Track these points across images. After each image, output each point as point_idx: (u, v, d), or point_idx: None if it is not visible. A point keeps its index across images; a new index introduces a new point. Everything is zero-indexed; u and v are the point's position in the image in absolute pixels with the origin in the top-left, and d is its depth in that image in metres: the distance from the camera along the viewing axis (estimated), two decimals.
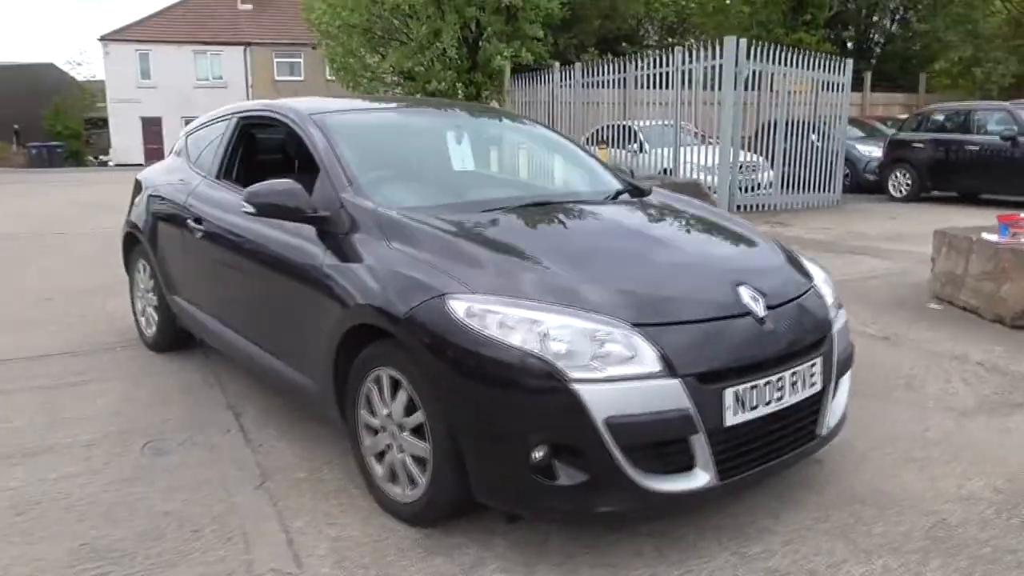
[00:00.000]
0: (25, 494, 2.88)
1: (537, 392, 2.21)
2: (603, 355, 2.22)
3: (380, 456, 2.72)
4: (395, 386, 2.58)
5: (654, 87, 12.08)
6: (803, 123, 11.88)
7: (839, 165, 12.61)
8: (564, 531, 2.55)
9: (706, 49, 10.88)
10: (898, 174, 13.18)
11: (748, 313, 2.46)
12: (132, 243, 4.71)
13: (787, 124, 11.65)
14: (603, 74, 12.97)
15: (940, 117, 12.87)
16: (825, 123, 12.32)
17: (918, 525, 2.59)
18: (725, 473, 2.33)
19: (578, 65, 13.98)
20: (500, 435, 2.27)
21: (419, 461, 2.54)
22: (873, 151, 14.27)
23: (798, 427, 2.58)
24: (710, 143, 11.25)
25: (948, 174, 12.43)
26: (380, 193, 2.95)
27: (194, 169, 4.11)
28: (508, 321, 2.27)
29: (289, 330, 3.10)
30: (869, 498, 2.78)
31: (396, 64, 15.82)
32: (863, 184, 14.19)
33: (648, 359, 2.24)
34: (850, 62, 12.55)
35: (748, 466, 2.41)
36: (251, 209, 2.95)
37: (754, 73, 10.92)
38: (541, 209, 3.09)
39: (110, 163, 36.94)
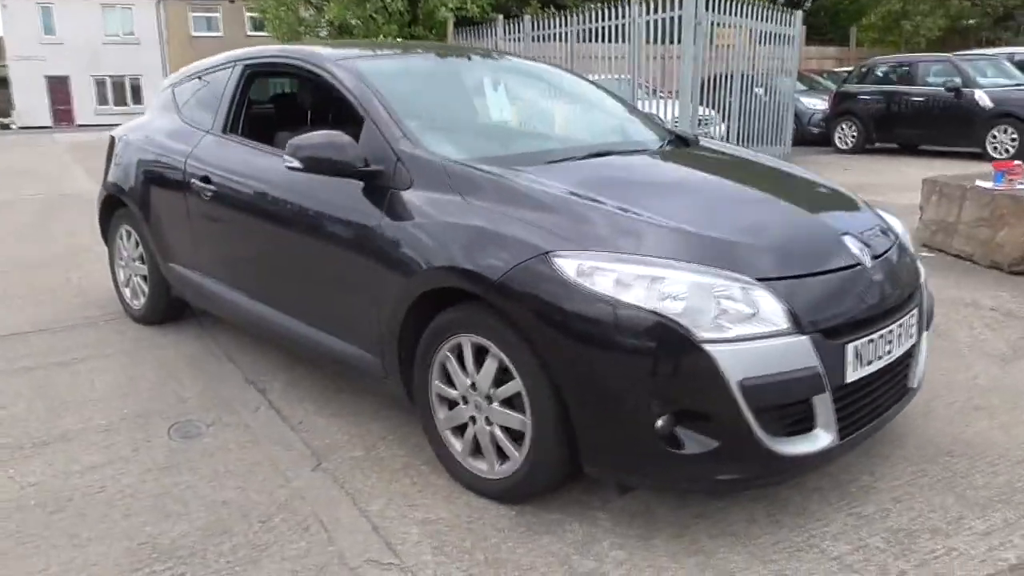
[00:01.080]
0: (52, 489, 2.57)
1: (664, 355, 2.04)
2: (730, 312, 2.06)
3: (459, 430, 2.52)
4: (479, 354, 2.37)
5: (607, 40, 11.86)
6: (751, 77, 11.88)
7: (789, 119, 12.69)
8: (666, 499, 2.41)
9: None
10: (844, 126, 13.39)
11: (858, 264, 2.34)
12: (111, 208, 4.29)
13: (736, 77, 11.63)
14: (554, 27, 12.66)
15: (885, 69, 13.09)
16: (774, 76, 12.35)
17: (1017, 475, 2.55)
18: (844, 432, 2.22)
19: (527, 18, 13.63)
20: (620, 403, 2.10)
21: (511, 434, 2.35)
22: (817, 104, 14.45)
23: (897, 380, 2.49)
24: (661, 97, 11.14)
25: (893, 126, 12.69)
26: (438, 144, 2.70)
27: (190, 124, 3.73)
28: (625, 279, 2.09)
29: (336, 299, 2.83)
30: (955, 449, 2.73)
31: (336, 17, 15.14)
32: (808, 137, 14.37)
33: (776, 316, 2.09)
34: (800, 14, 12.59)
35: (862, 423, 2.31)
36: (296, 163, 2.65)
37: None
38: (611, 159, 2.88)
39: (13, 125, 34.66)
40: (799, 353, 2.10)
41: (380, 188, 2.64)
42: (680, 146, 3.29)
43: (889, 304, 2.38)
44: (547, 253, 2.17)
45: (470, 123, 3.24)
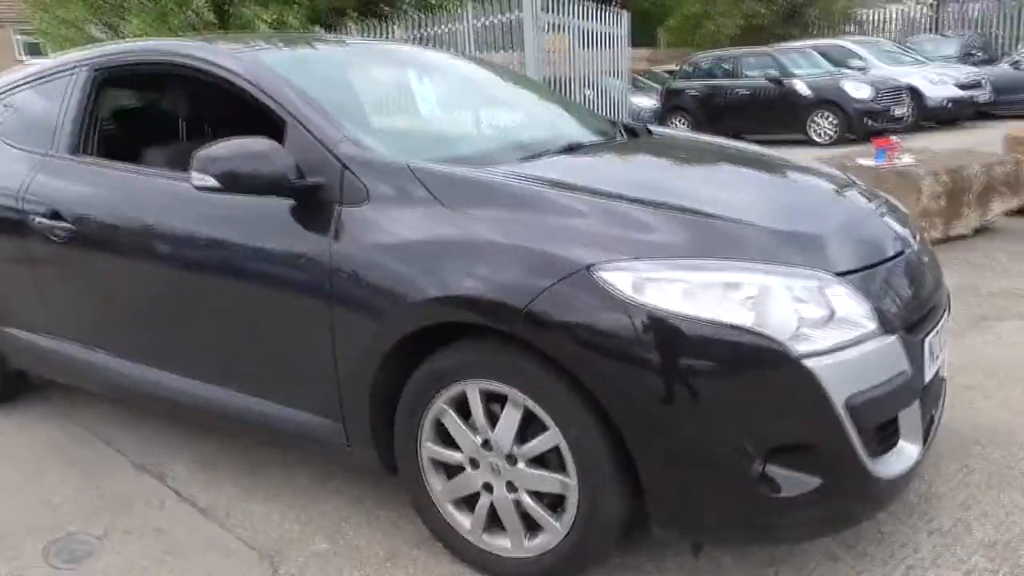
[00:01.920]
0: None
1: (757, 379, 1.64)
2: (810, 318, 1.69)
3: (465, 502, 2.00)
4: (490, 404, 1.87)
5: (438, 47, 11.49)
6: (581, 79, 11.94)
7: (622, 118, 12.91)
8: (729, 550, 2.02)
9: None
10: (676, 121, 13.79)
11: (909, 246, 2.06)
12: None
13: (567, 80, 11.63)
14: (380, 37, 12.13)
15: (709, 64, 13.62)
16: (603, 77, 12.49)
17: None
18: (924, 440, 1.92)
19: (352, 27, 12.99)
20: (705, 446, 1.67)
21: (542, 499, 1.86)
22: (645, 102, 14.82)
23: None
24: None
25: (721, 117, 13.17)
26: (383, 146, 2.15)
27: (16, 147, 2.90)
28: (694, 289, 1.67)
29: (272, 355, 2.21)
30: (980, 437, 2.54)
31: (136, 33, 13.67)
32: None
33: (861, 316, 1.74)
34: (627, 14, 12.82)
35: (933, 425, 2.03)
36: (209, 181, 2.01)
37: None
38: (595, 153, 2.45)
39: None
40: (892, 357, 1.77)
41: (322, 206, 2.06)
42: (645, 135, 2.91)
43: (942, 290, 2.13)
44: (590, 267, 1.70)
45: (411, 120, 2.70)
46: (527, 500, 1.88)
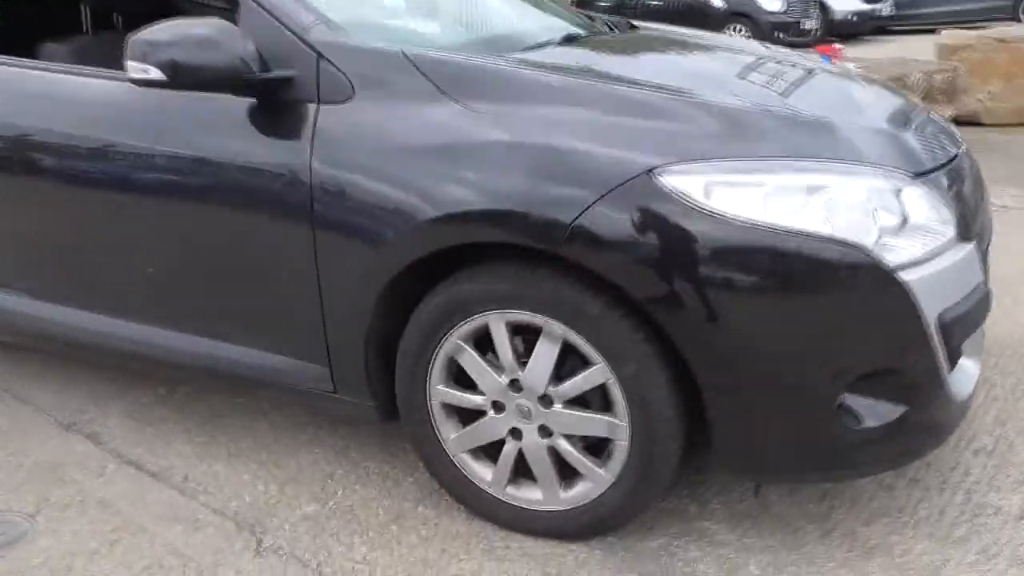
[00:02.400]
0: None
1: (844, 295, 1.42)
2: (904, 225, 1.47)
3: (485, 451, 1.73)
4: (519, 336, 1.59)
5: None
6: None
7: None
8: (768, 489, 1.84)
9: None
10: None
11: (962, 146, 1.86)
12: None
13: None
14: None
15: None
16: None
17: None
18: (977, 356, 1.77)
19: None
20: (780, 372, 1.45)
21: (578, 443, 1.62)
22: None
23: None
24: None
25: None
26: (361, 35, 1.77)
27: None
28: (771, 193, 1.41)
29: (237, 293, 1.83)
30: (994, 350, 2.44)
31: None
32: None
33: (942, 222, 1.53)
34: None
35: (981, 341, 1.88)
36: (153, 73, 1.59)
37: None
38: (598, 44, 2.13)
39: None
40: (971, 268, 1.58)
41: (293, 107, 1.68)
42: (635, 29, 2.59)
43: (984, 191, 1.95)
44: (651, 171, 1.41)
45: (382, 10, 2.28)
46: (565, 446, 1.62)
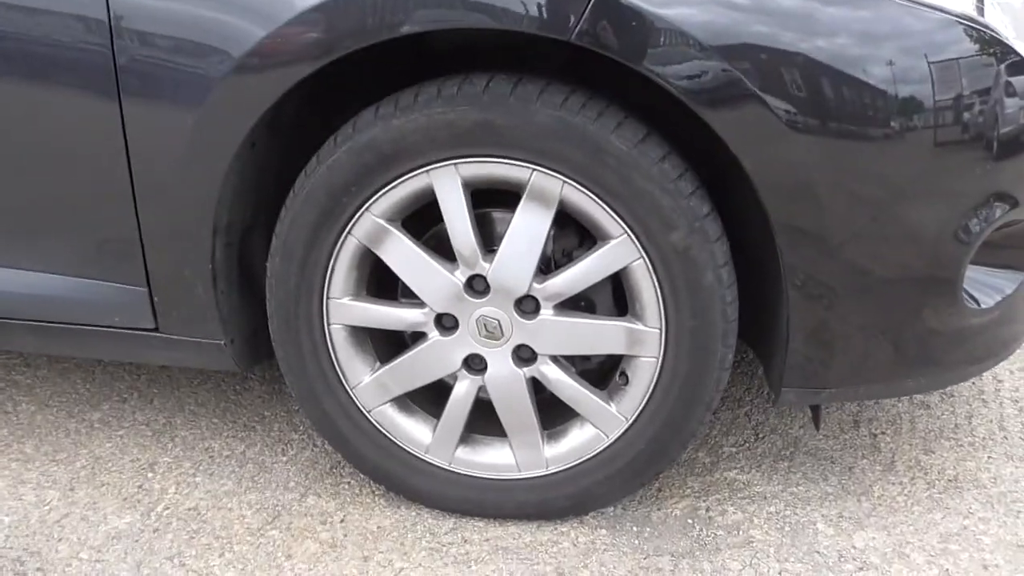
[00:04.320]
0: None
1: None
2: None
3: (420, 398, 1.12)
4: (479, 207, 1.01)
5: None
6: None
7: None
8: (786, 422, 1.38)
9: None
10: None
11: None
12: None
13: None
14: None
15: None
16: None
17: None
18: None
19: None
20: (896, 234, 0.97)
21: (572, 371, 1.07)
22: None
23: None
24: None
25: None
26: None
27: None
28: None
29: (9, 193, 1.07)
30: None
31: None
32: None
33: None
34: None
35: None
36: None
37: None
38: None
39: None
40: None
41: None
42: None
43: None
44: None
45: None
46: (556, 374, 1.05)
